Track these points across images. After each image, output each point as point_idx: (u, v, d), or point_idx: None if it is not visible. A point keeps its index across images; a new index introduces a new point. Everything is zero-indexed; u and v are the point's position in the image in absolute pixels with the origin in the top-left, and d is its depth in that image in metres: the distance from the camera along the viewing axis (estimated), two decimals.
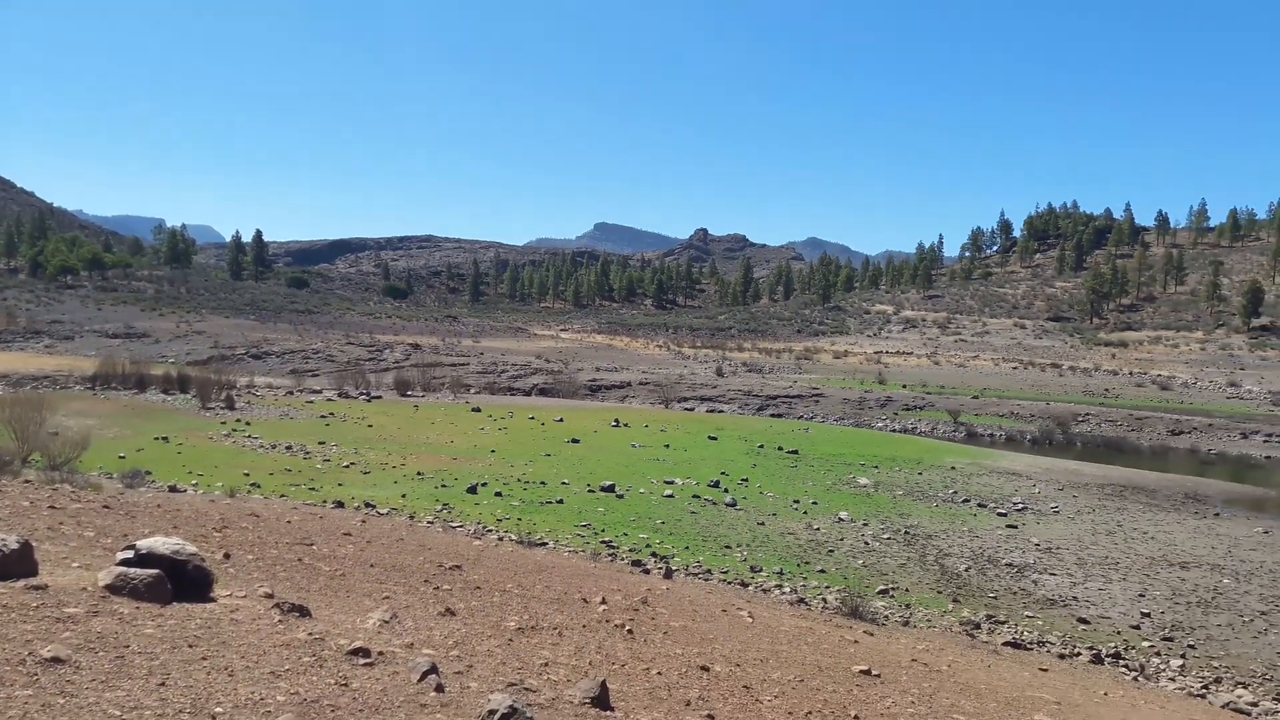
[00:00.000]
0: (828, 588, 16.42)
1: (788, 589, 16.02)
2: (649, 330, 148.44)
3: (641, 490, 23.99)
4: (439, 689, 5.76)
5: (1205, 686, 13.50)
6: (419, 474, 24.46)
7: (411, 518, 18.47)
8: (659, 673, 7.29)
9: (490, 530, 18.08)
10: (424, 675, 5.89)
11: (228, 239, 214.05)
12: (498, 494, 22.27)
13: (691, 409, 56.40)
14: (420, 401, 47.00)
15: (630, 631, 8.71)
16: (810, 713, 6.94)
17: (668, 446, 33.01)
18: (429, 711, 5.36)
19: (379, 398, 47.82)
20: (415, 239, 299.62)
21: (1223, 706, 12.59)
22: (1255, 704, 12.88)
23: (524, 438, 33.69)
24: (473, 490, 22.42)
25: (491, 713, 5.38)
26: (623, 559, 16.66)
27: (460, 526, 18.14)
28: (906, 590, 17.12)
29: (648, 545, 18.25)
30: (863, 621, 13.68)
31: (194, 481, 21.19)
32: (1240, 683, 13.89)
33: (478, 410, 42.59)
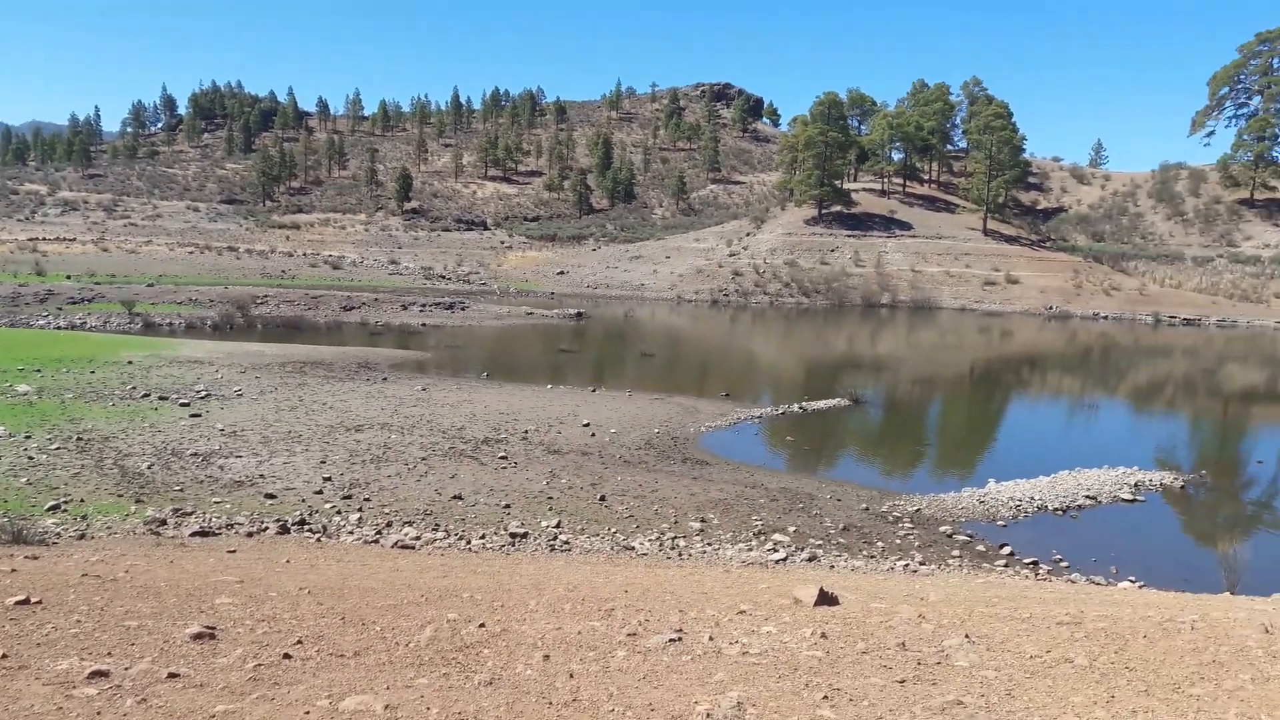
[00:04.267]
0: None
1: None
2: None
3: None
4: None
5: (379, 532, 15.12)
6: None
7: None
8: None
9: None
10: None
11: None
12: None
13: None
14: None
15: None
16: None
17: None
18: None
19: None
20: None
21: (393, 545, 14.24)
22: (419, 537, 14.87)
23: None
24: None
25: None
26: None
27: None
28: (82, 501, 15.51)
29: None
30: (28, 545, 11.99)
31: None
32: (407, 521, 15.86)
33: None
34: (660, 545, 15.52)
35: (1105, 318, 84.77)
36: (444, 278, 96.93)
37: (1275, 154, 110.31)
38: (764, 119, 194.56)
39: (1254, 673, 6.43)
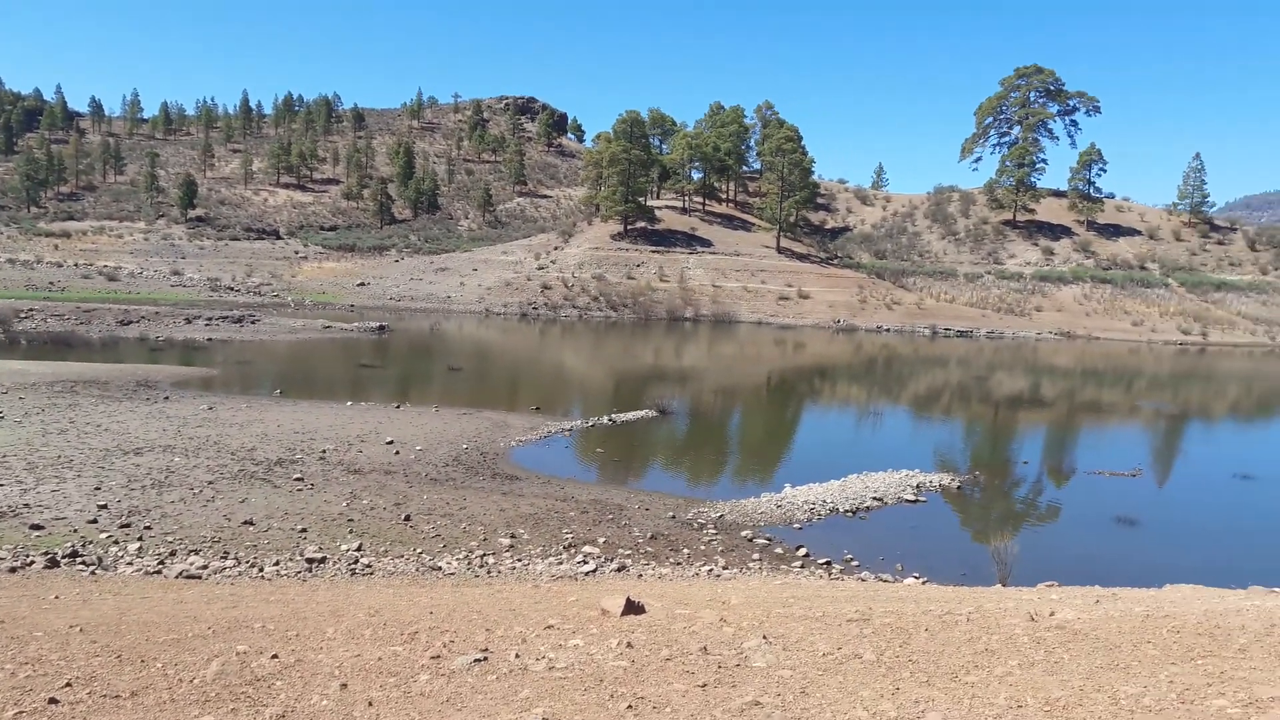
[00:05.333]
0: None
1: None
2: None
3: None
4: None
5: (162, 562, 14.09)
6: None
7: None
8: None
9: None
10: None
11: None
12: None
13: None
14: None
15: None
16: None
17: None
18: None
19: None
20: None
21: (178, 576, 13.32)
22: (206, 566, 13.98)
23: None
24: None
25: None
26: None
27: None
28: None
29: None
30: None
31: None
32: (194, 550, 14.87)
33: None
34: (469, 564, 15.28)
35: (888, 330, 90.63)
36: (233, 289, 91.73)
37: (1034, 179, 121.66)
38: (569, 134, 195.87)
39: (1021, 659, 7.04)
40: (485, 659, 6.98)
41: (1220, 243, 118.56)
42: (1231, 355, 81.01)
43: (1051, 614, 8.88)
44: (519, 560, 15.64)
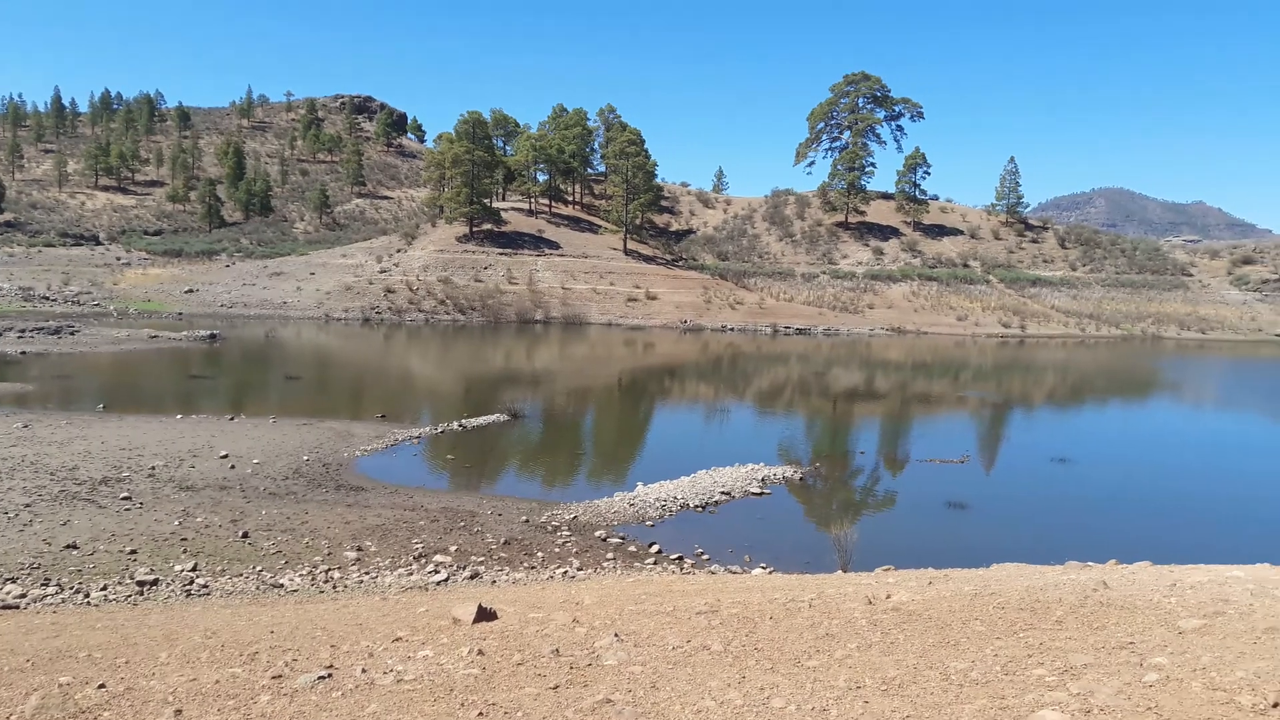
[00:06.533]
0: None
1: None
2: None
3: None
4: None
5: None
6: None
7: None
8: None
9: None
10: None
11: None
12: None
13: None
14: None
15: None
16: None
17: None
18: None
19: None
20: None
21: None
22: (25, 594, 12.97)
23: None
24: None
25: None
26: None
27: None
28: None
29: None
30: None
31: None
32: (10, 578, 13.79)
33: None
34: (313, 580, 14.74)
35: (732, 329, 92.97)
36: (48, 299, 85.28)
37: (864, 182, 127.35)
38: (409, 134, 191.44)
39: (859, 641, 7.36)
40: (330, 676, 6.76)
41: (1035, 241, 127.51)
42: (1047, 346, 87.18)
43: (888, 597, 9.32)
44: (367, 573, 15.22)
